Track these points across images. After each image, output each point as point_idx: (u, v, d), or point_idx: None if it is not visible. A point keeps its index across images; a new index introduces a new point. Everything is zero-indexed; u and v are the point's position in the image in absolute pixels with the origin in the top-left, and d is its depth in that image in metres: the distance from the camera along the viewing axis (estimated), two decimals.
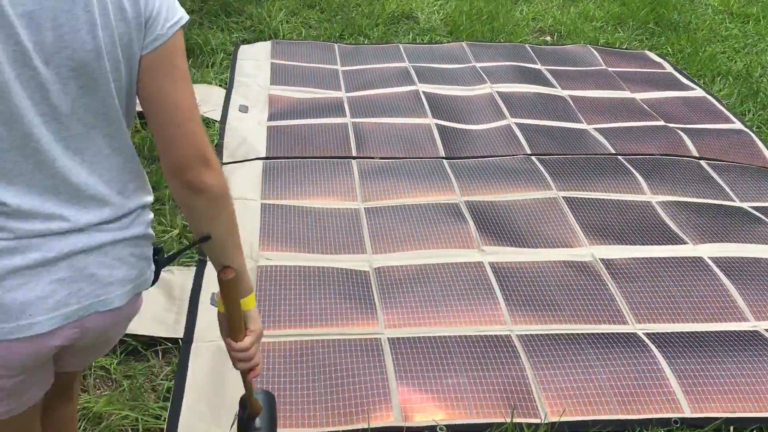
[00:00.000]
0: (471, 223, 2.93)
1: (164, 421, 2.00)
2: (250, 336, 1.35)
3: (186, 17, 1.16)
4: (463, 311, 2.46)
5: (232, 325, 1.32)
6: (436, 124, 3.73)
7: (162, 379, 2.16)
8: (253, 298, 1.36)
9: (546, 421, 2.06)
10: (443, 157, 3.46)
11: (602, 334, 2.39)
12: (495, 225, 2.94)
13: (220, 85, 4.03)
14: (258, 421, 1.47)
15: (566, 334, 2.39)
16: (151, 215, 1.26)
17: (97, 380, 2.16)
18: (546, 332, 2.40)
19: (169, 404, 2.05)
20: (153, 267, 1.28)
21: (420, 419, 2.05)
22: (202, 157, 1.16)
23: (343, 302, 2.47)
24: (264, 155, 3.39)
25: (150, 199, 1.26)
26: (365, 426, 2.01)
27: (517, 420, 2.06)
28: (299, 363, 2.21)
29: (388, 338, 2.33)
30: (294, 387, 2.12)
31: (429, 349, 2.29)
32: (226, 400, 2.07)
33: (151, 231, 1.25)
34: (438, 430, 2.02)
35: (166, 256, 1.31)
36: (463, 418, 2.06)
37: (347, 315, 2.41)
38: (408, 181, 3.23)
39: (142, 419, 2.00)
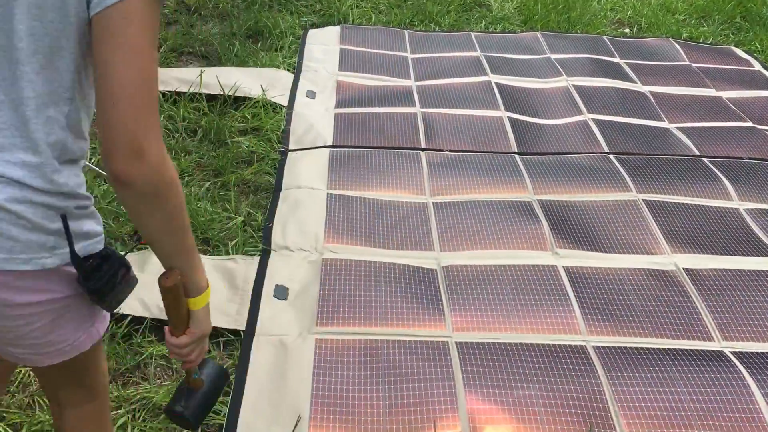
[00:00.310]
0: (544, 223, 2.79)
1: (224, 416, 1.94)
2: (187, 336, 1.26)
3: None
4: (536, 317, 2.34)
5: (171, 320, 1.25)
6: (509, 117, 3.59)
7: None
8: (205, 298, 1.25)
9: None
10: (515, 152, 3.32)
11: (685, 350, 2.24)
12: (570, 226, 2.79)
13: (288, 70, 3.97)
14: (195, 397, 1.40)
15: (646, 348, 2.24)
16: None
17: (158, 369, 2.11)
18: (624, 345, 2.25)
19: (229, 399, 1.99)
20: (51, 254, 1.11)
21: (489, 431, 1.94)
22: (131, 144, 1.00)
23: (410, 301, 2.37)
24: (331, 143, 3.30)
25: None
26: None
27: None
28: (364, 363, 2.12)
29: (455, 342, 2.23)
30: (357, 389, 2.04)
31: (499, 356, 2.18)
32: (286, 398, 2.00)
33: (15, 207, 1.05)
34: None
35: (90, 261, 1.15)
36: None
37: (414, 315, 2.32)
38: (478, 175, 3.10)
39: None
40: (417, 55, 4.31)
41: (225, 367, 1.49)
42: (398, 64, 4.16)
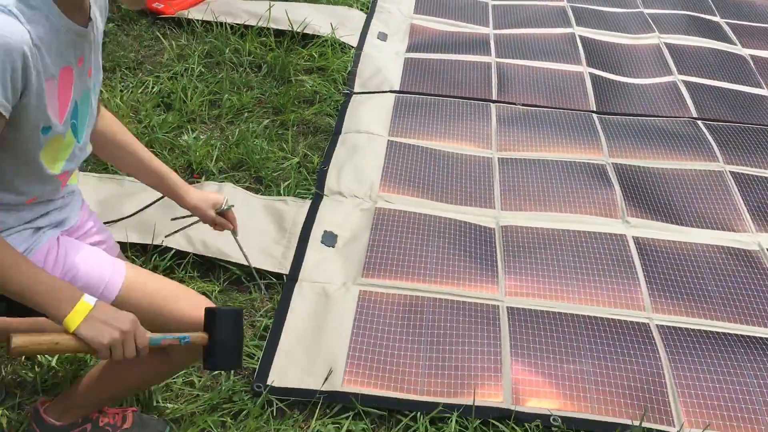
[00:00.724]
0: (617, 188, 2.59)
1: (257, 361, 1.88)
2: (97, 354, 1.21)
3: None
4: (597, 288, 2.17)
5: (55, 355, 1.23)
6: (590, 74, 3.35)
7: (261, 316, 2.03)
8: (75, 316, 1.17)
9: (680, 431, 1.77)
10: (594, 111, 3.10)
11: (761, 338, 2.04)
12: (645, 194, 2.58)
13: (361, 9, 3.81)
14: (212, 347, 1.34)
15: (717, 332, 2.05)
16: None
17: None
18: (692, 326, 2.07)
19: (264, 344, 1.92)
20: None
21: (533, 405, 1.81)
22: None
23: (463, 260, 2.24)
24: (397, 88, 3.16)
25: None
26: (469, 402, 1.79)
27: (647, 425, 1.78)
28: (408, 320, 2.01)
29: (507, 307, 2.09)
30: (398, 345, 1.93)
31: (553, 326, 2.03)
32: (323, 348, 1.91)
33: None
34: (552, 421, 1.78)
35: None
36: (583, 412, 1.80)
37: (466, 274, 2.18)
38: (551, 133, 2.91)
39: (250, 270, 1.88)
40: (497, 2, 4.08)
41: (241, 309, 1.40)
42: (477, 10, 3.94)
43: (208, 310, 1.36)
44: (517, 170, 2.68)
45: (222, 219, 1.66)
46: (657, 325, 2.06)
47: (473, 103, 3.09)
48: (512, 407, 1.79)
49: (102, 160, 2.53)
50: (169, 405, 1.72)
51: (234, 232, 1.72)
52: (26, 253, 1.29)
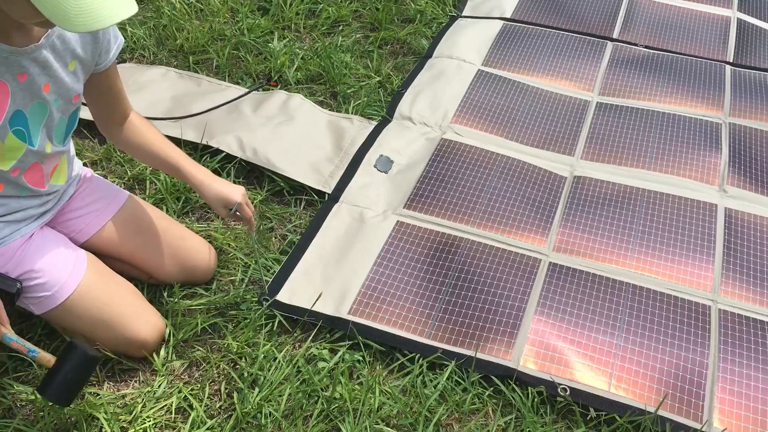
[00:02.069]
0: (725, 152, 2.27)
1: (272, 274, 1.86)
2: None
3: None
4: (661, 257, 1.93)
5: None
6: (739, 20, 2.92)
7: (291, 231, 2.00)
8: None
9: (707, 430, 1.55)
10: (729, 62, 2.71)
11: None
12: (756, 162, 2.24)
13: None
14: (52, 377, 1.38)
15: None
16: None
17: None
18: (759, 316, 1.79)
19: (285, 258, 1.90)
20: None
21: (541, 368, 1.66)
22: None
23: (518, 205, 2.07)
24: (508, 15, 2.93)
25: None
26: (471, 353, 1.68)
27: (668, 415, 1.57)
28: (437, 259, 1.90)
29: (550, 262, 1.91)
30: (419, 284, 1.83)
31: (594, 290, 1.84)
32: (341, 273, 1.86)
33: None
34: (560, 390, 1.62)
35: None
36: (598, 388, 1.63)
37: (516, 221, 2.02)
38: (668, 81, 2.58)
39: (253, 267, 1.88)
40: None
41: (99, 357, 1.43)
42: None
43: (70, 342, 1.39)
44: (613, 118, 2.42)
45: (236, 217, 1.67)
46: (719, 309, 1.81)
47: (588, 40, 2.80)
48: (517, 367, 1.66)
49: (187, 58, 2.58)
50: (169, 299, 1.75)
51: (249, 232, 1.70)
52: None
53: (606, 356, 1.69)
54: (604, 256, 1.94)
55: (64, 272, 1.50)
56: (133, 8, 1.13)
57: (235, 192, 1.64)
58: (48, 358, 1.40)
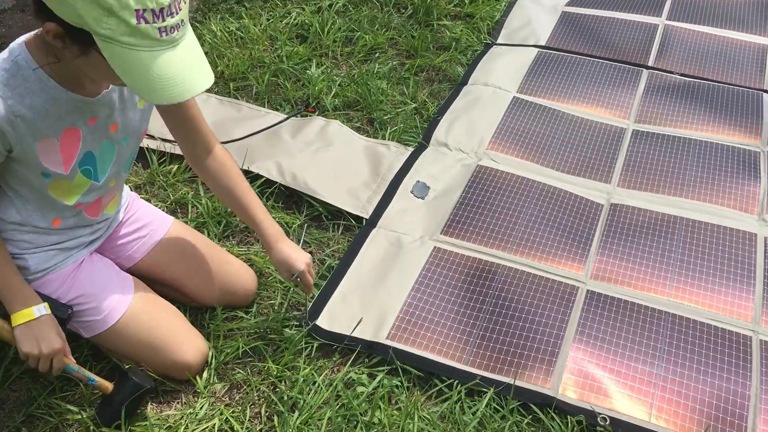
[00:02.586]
0: (764, 180, 2.26)
1: (311, 299, 1.88)
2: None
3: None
4: (700, 287, 1.92)
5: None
6: None
7: (329, 255, 2.03)
8: (16, 318, 1.40)
9: None
10: (766, 91, 2.70)
11: None
12: None
13: None
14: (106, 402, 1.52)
15: None
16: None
17: None
18: None
19: (324, 283, 1.92)
20: None
21: (581, 397, 1.65)
22: None
23: (555, 232, 2.07)
24: (543, 43, 2.95)
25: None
26: (510, 380, 1.68)
27: None
28: (474, 285, 1.91)
29: (588, 290, 1.91)
30: (457, 310, 1.84)
31: (633, 319, 1.83)
32: (379, 298, 1.87)
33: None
34: (599, 420, 1.61)
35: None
36: (639, 418, 1.61)
37: (553, 248, 2.02)
38: (705, 109, 2.58)
39: (293, 290, 1.90)
40: None
41: (152, 387, 1.57)
42: None
43: (126, 372, 1.51)
44: (650, 145, 2.42)
45: (297, 282, 1.71)
46: (761, 341, 1.79)
47: (623, 67, 2.81)
48: (557, 396, 1.65)
49: (227, 85, 2.63)
50: (211, 322, 1.78)
51: (306, 294, 1.82)
52: (47, 271, 1.51)
53: (646, 386, 1.68)
54: (643, 284, 1.93)
55: (113, 297, 1.54)
56: (211, 78, 1.19)
57: (300, 260, 1.66)
58: (105, 385, 1.49)
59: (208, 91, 2.62)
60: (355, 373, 1.71)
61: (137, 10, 1.07)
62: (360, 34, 2.93)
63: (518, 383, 1.67)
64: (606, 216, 2.15)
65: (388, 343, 1.76)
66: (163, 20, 1.10)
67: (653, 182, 2.28)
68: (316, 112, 2.53)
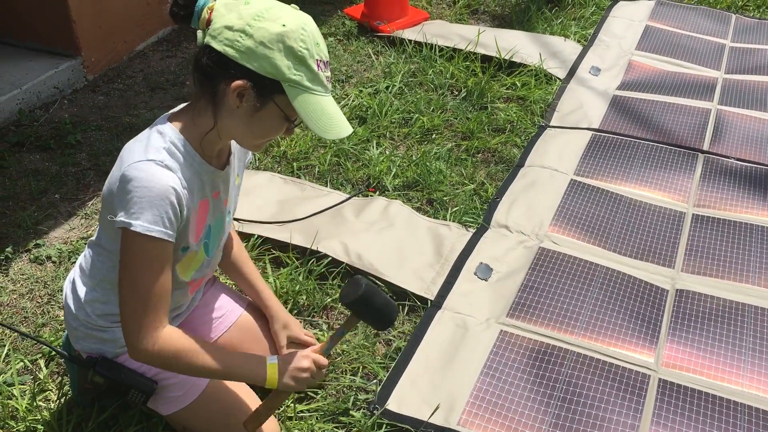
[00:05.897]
0: None
1: (379, 382, 1.88)
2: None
3: (128, 224, 1.27)
4: None
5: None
6: None
7: (395, 337, 2.03)
8: (271, 379, 1.48)
9: None
10: None
11: None
12: None
13: (578, 41, 3.68)
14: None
15: None
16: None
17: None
18: None
19: (393, 364, 1.92)
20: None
21: None
22: (128, 339, 1.35)
23: (622, 317, 2.06)
24: (596, 126, 3.00)
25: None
26: None
27: None
28: (543, 370, 1.89)
29: (660, 378, 1.89)
30: (527, 396, 1.83)
31: (708, 410, 1.80)
32: (448, 382, 1.86)
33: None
34: None
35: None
36: None
37: (620, 334, 2.01)
38: (762, 194, 2.58)
39: (362, 370, 1.90)
40: (738, 45, 3.71)
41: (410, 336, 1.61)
42: (710, 51, 3.63)
43: (353, 285, 1.52)
44: (711, 230, 2.42)
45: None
46: None
47: (678, 151, 2.84)
48: None
49: (290, 164, 2.70)
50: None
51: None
52: None
53: None
54: (716, 373, 1.90)
55: (191, 379, 1.55)
56: (350, 128, 1.34)
57: (294, 332, 1.81)
58: (351, 322, 1.56)
59: (272, 169, 2.70)
60: None
61: (317, 60, 1.28)
62: (417, 116, 3.00)
63: None
64: (672, 302, 2.14)
65: (460, 429, 1.75)
66: (326, 70, 1.31)
67: (717, 268, 2.27)
68: (377, 192, 2.58)
